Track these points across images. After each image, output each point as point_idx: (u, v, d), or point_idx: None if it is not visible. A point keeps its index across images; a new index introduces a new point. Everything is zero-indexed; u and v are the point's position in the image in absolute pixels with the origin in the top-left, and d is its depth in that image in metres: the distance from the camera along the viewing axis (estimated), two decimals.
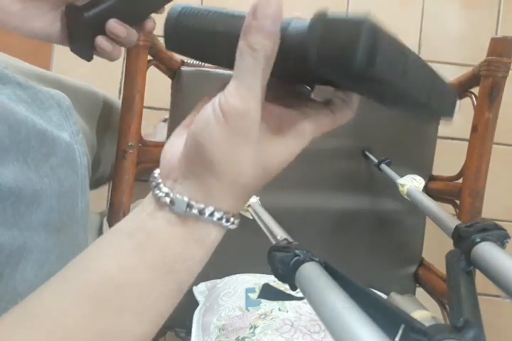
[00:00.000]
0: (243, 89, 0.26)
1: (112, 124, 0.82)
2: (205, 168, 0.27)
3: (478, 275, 0.33)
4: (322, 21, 0.24)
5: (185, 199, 0.27)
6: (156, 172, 0.30)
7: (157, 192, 0.28)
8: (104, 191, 1.12)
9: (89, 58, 0.43)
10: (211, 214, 0.28)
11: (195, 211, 0.27)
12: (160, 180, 0.29)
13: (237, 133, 0.26)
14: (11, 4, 0.39)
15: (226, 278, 0.84)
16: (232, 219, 0.29)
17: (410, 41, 1.28)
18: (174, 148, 0.29)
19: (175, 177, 0.28)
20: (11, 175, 0.41)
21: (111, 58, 0.43)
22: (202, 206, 0.28)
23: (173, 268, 0.28)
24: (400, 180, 0.73)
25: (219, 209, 0.28)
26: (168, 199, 0.28)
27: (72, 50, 0.44)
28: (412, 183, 0.70)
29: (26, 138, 0.44)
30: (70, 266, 0.29)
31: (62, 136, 0.50)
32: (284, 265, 0.32)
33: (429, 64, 0.27)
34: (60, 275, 0.29)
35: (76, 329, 0.26)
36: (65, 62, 1.29)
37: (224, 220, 0.28)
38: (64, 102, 0.54)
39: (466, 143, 0.83)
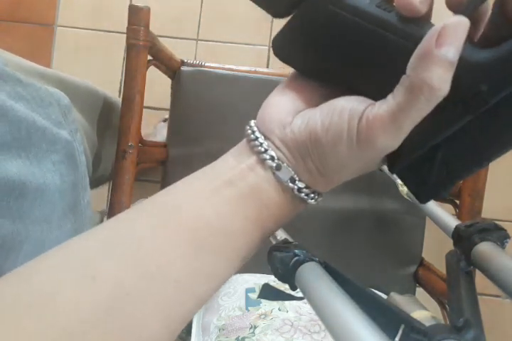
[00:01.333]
0: (394, 128, 0.24)
1: (112, 122, 0.82)
2: (319, 164, 0.27)
3: (478, 275, 0.33)
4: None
5: (292, 172, 0.28)
6: (253, 122, 0.29)
7: (259, 148, 0.28)
8: (104, 191, 1.12)
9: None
10: (307, 195, 0.29)
11: (295, 186, 0.28)
12: (262, 140, 0.28)
13: (361, 157, 0.26)
14: None
15: None
16: (317, 198, 0.30)
17: None
18: (280, 106, 0.29)
19: (278, 139, 0.28)
20: (14, 170, 0.41)
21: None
22: (305, 186, 0.28)
23: (266, 226, 0.29)
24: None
25: (319, 193, 0.29)
26: (274, 164, 0.28)
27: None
28: None
29: (27, 134, 0.44)
30: (158, 203, 0.28)
31: (62, 133, 0.50)
32: (284, 265, 0.32)
33: None
34: (150, 209, 0.28)
35: (170, 267, 0.26)
36: (65, 62, 1.29)
37: (313, 201, 0.29)
38: (63, 101, 0.54)
39: None
